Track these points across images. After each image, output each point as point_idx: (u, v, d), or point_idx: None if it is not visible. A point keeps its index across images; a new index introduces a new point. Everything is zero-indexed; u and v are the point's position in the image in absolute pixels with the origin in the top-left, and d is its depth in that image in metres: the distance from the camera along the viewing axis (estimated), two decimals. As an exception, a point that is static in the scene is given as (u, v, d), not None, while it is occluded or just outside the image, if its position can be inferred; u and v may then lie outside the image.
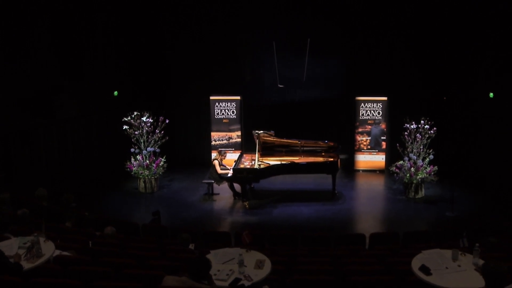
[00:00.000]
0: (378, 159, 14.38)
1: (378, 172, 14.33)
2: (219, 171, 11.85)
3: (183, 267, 5.98)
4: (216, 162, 11.98)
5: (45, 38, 11.34)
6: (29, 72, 10.87)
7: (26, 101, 10.84)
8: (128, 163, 12.59)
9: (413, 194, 12.07)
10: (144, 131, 12.50)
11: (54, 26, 11.54)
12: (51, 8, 11.34)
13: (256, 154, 12.10)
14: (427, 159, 11.94)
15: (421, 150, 11.97)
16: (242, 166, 12.08)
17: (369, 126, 14.32)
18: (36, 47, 11.10)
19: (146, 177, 12.54)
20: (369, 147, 14.40)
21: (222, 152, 12.31)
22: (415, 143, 11.99)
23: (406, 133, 12.07)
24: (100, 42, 12.97)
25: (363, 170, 14.46)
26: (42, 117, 11.18)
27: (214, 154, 13.95)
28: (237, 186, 12.07)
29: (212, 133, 14.69)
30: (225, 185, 12.15)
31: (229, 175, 11.76)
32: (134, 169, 12.52)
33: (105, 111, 13.14)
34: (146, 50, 14.27)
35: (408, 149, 12.07)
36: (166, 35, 14.52)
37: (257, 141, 12.15)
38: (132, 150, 12.53)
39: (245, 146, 14.45)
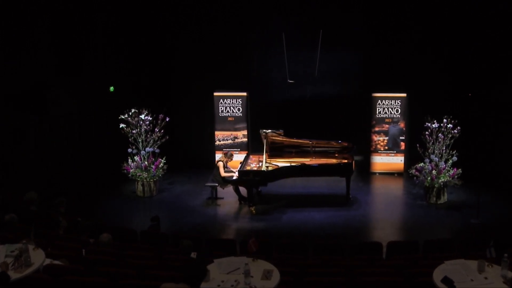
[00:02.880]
0: (396, 161, 14.31)
1: (396, 175, 14.26)
2: (223, 173, 11.83)
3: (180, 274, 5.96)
4: (220, 164, 11.96)
5: (41, 31, 11.40)
6: (21, 66, 10.93)
7: (17, 96, 10.88)
8: (125, 164, 12.60)
9: (434, 199, 11.99)
10: (143, 130, 12.51)
11: (51, 20, 11.63)
12: (49, 1, 11.41)
13: (264, 155, 12.07)
14: (450, 161, 11.86)
15: (444, 151, 11.88)
16: (248, 168, 12.05)
17: (387, 125, 14.25)
18: (31, 40, 11.15)
19: (145, 180, 12.55)
20: (386, 147, 14.33)
21: (229, 154, 12.25)
22: (437, 143, 11.91)
23: (427, 132, 11.99)
24: (98, 35, 13.03)
25: (380, 173, 14.40)
26: (34, 113, 11.22)
27: (218, 155, 13.98)
28: (243, 190, 12.03)
29: (216, 133, 14.68)
30: (230, 188, 12.13)
31: (234, 178, 11.74)
32: (131, 171, 12.53)
33: (102, 108, 13.18)
34: (146, 43, 14.28)
35: (429, 150, 11.99)
36: (167, 27, 14.54)
37: (264, 141, 12.12)
38: (130, 150, 12.54)
39: (252, 147, 14.43)
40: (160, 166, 12.64)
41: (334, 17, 13.69)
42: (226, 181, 11.88)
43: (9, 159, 10.89)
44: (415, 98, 14.05)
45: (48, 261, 6.13)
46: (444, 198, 12.05)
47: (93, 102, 12.91)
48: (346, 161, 12.17)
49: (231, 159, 12.30)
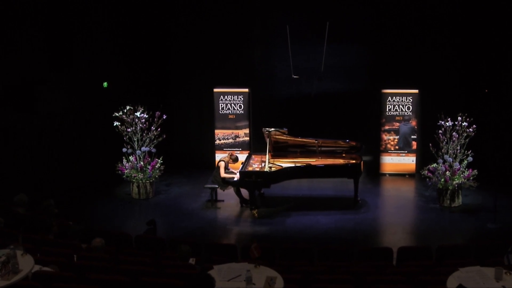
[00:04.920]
0: (407, 162, 14.28)
1: (407, 176, 14.23)
2: (223, 174, 11.80)
3: (183, 285, 5.95)
4: (221, 164, 11.95)
5: (30, 22, 11.36)
6: (8, 60, 10.90)
7: (4, 93, 10.87)
8: (119, 165, 12.59)
9: (448, 202, 11.96)
10: (138, 128, 12.50)
11: (41, 11, 11.58)
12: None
13: (267, 155, 12.05)
14: (465, 162, 11.82)
15: (458, 151, 11.85)
16: (250, 168, 12.03)
17: (398, 123, 14.21)
18: (18, 32, 11.12)
19: (140, 181, 12.55)
20: (397, 147, 14.30)
21: (234, 157, 12.21)
22: (451, 143, 11.88)
23: (440, 131, 11.96)
24: (91, 27, 12.97)
25: (390, 174, 14.37)
26: (22, 111, 11.20)
27: (218, 155, 13.96)
28: (244, 192, 12.02)
29: (216, 131, 14.67)
30: (230, 190, 12.11)
31: (235, 179, 11.71)
32: (126, 171, 12.52)
33: (95, 105, 13.17)
34: (143, 36, 14.26)
35: (442, 150, 11.96)
36: (165, 19, 14.52)
37: (267, 140, 12.10)
38: (124, 150, 12.53)
39: (254, 146, 14.41)
40: (156, 166, 12.63)
41: (341, 8, 13.65)
42: (226, 182, 11.86)
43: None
44: (427, 94, 14.00)
45: (37, 267, 6.12)
46: (459, 201, 12.02)
47: (85, 98, 12.89)
48: (354, 161, 12.15)
49: (235, 163, 12.26)
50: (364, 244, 10.00)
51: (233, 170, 12.11)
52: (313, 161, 12.32)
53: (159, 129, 12.63)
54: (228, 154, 12.36)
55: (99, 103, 13.19)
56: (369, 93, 14.26)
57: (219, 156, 13.49)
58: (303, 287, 6.33)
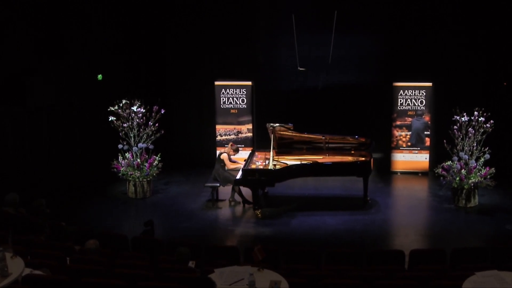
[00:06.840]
0: (420, 159, 14.27)
1: (420, 174, 14.23)
2: (230, 165, 11.87)
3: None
4: (225, 156, 12.00)
5: (16, 7, 11.34)
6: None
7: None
8: (115, 162, 12.60)
9: (464, 202, 11.94)
10: (135, 123, 12.51)
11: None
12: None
13: (271, 152, 12.05)
14: (482, 159, 11.80)
15: (474, 148, 11.82)
16: (253, 166, 12.04)
17: (410, 119, 14.20)
18: (4, 16, 11.10)
19: (137, 180, 12.56)
20: (409, 144, 14.29)
21: (234, 148, 12.30)
22: (467, 139, 11.85)
23: (455, 127, 11.93)
24: (85, 13, 12.96)
25: (402, 172, 14.36)
26: (10, 105, 11.20)
27: (219, 152, 13.95)
28: (246, 192, 12.00)
29: (217, 126, 14.68)
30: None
31: (238, 176, 11.71)
32: (122, 169, 12.54)
33: (89, 99, 13.17)
34: (140, 26, 14.25)
35: (458, 147, 11.94)
36: (163, 8, 14.48)
37: (272, 136, 12.10)
38: (120, 146, 12.55)
39: (258, 143, 14.42)
40: (154, 164, 12.64)
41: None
42: (227, 179, 11.85)
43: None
44: (442, 87, 13.99)
45: (28, 271, 6.14)
46: (475, 201, 12.00)
47: (78, 91, 12.89)
48: (363, 159, 12.14)
49: (236, 153, 12.32)
50: (374, 247, 10.01)
51: (239, 162, 12.21)
52: (320, 158, 12.31)
53: (157, 125, 12.63)
54: (229, 144, 12.43)
55: (93, 97, 13.19)
56: (379, 86, 14.26)
57: (225, 149, 13.46)
58: (309, 292, 6.34)
